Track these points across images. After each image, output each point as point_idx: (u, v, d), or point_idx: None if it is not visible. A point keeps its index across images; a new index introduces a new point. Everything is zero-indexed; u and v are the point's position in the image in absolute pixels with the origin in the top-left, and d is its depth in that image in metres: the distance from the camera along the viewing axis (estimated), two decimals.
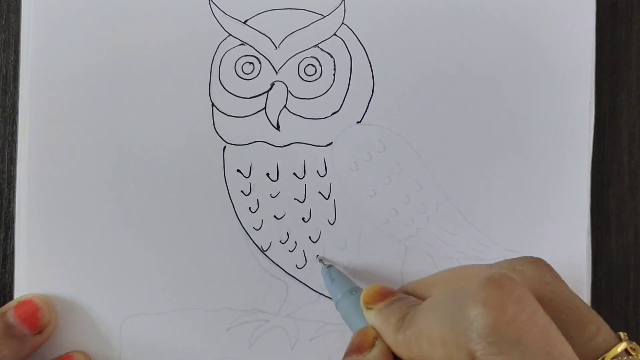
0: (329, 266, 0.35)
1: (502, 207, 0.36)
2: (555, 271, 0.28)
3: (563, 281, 0.28)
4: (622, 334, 0.27)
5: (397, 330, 0.26)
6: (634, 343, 0.26)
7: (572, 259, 0.37)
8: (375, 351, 0.27)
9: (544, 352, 0.22)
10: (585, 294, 0.36)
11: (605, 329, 0.27)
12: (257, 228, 0.36)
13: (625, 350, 0.26)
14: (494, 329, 0.22)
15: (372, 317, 0.28)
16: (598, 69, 0.37)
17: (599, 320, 0.27)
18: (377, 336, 0.28)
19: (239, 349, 0.36)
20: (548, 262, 0.36)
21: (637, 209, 0.38)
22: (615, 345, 0.26)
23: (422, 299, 0.28)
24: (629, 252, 0.38)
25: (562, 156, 0.37)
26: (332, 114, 0.37)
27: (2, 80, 0.37)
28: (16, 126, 0.37)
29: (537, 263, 0.28)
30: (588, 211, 0.37)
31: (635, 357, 0.26)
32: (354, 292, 0.32)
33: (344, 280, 0.34)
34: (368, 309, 0.29)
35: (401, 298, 0.28)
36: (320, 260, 0.36)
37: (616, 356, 0.26)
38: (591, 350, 0.25)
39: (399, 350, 0.26)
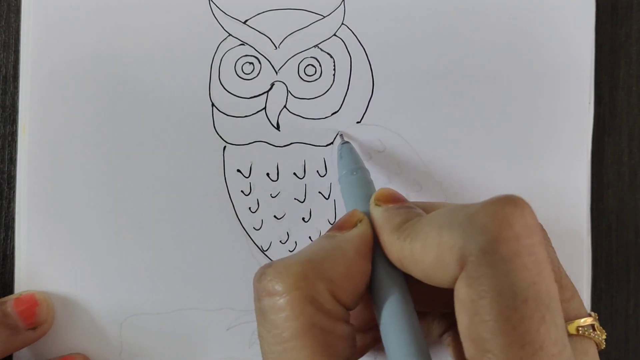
0: (344, 142, 0.35)
1: None
2: (549, 237, 0.29)
3: (552, 247, 0.29)
4: (592, 313, 0.28)
5: (396, 229, 0.26)
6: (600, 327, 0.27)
7: (573, 259, 0.37)
8: (354, 231, 0.27)
9: (530, 281, 0.22)
10: (585, 293, 0.36)
11: (578, 299, 0.28)
12: (257, 228, 0.36)
13: (592, 325, 0.27)
14: (494, 240, 0.22)
15: (378, 213, 0.28)
16: (598, 69, 0.37)
17: (575, 290, 0.28)
18: (362, 219, 0.28)
19: (239, 349, 0.36)
20: None
21: (637, 208, 0.38)
22: (585, 317, 0.27)
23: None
24: (629, 251, 0.38)
25: (562, 156, 0.37)
26: (332, 114, 0.37)
27: (2, 80, 0.37)
28: (16, 126, 0.37)
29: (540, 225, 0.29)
30: (588, 211, 0.37)
31: (600, 334, 0.27)
32: (356, 172, 0.32)
33: (351, 159, 0.33)
34: (377, 204, 0.28)
35: (411, 207, 0.28)
36: (341, 135, 0.36)
37: (583, 326, 0.27)
38: (563, 312, 0.26)
39: (389, 248, 0.26)
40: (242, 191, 0.36)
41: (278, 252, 0.36)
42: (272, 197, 0.36)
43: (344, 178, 0.32)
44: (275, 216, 0.36)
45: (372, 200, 0.29)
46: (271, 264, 0.26)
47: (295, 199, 0.36)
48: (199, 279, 0.36)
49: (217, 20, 0.36)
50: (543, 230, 0.29)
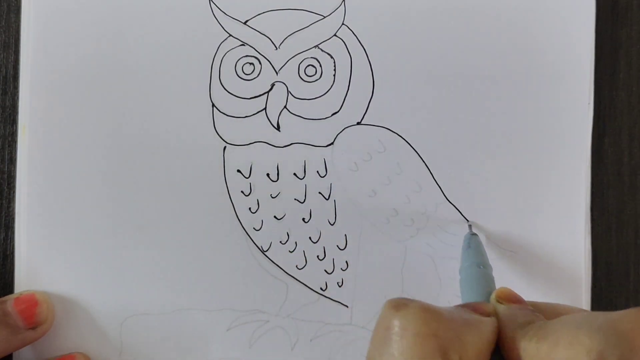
0: (473, 234, 0.35)
1: (502, 207, 0.36)
2: None
3: None
4: None
5: (521, 327, 0.26)
6: None
7: (572, 259, 0.37)
8: (490, 320, 0.27)
9: None
10: (585, 293, 0.36)
11: None
12: (257, 228, 0.36)
13: None
14: (637, 349, 0.22)
15: (502, 310, 0.28)
16: (598, 69, 0.37)
17: None
18: (495, 314, 0.28)
19: (239, 349, 0.36)
20: (548, 261, 0.37)
21: (637, 209, 0.38)
22: None
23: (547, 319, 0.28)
24: (629, 252, 0.38)
25: (562, 156, 0.37)
26: (332, 115, 0.37)
27: (2, 80, 0.37)
28: (16, 126, 0.37)
29: None
30: (588, 211, 0.37)
31: None
32: (485, 267, 0.32)
33: (478, 252, 0.33)
34: (499, 302, 0.29)
35: (533, 310, 0.28)
36: (470, 226, 0.36)
37: None
38: None
39: (512, 345, 0.26)
40: (242, 191, 0.36)
41: (278, 253, 0.36)
42: (272, 197, 0.36)
43: (469, 269, 0.32)
44: (275, 216, 0.37)
45: (493, 297, 0.29)
46: (414, 300, 0.25)
47: (295, 199, 0.36)
48: (199, 279, 0.36)
49: (217, 20, 0.36)
50: None
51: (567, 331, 0.24)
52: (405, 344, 0.24)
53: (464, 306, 0.28)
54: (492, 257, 0.36)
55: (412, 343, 0.24)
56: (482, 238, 0.36)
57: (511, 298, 0.29)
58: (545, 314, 0.28)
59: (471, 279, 0.32)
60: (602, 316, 0.24)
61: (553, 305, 0.30)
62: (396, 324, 0.24)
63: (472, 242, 0.34)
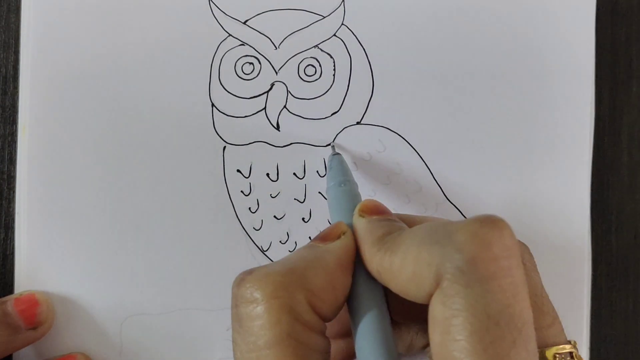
0: (335, 154, 0.35)
1: (502, 207, 0.36)
2: (534, 260, 0.29)
3: (537, 271, 0.29)
4: (572, 340, 0.28)
5: (377, 242, 0.26)
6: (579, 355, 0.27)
7: (573, 259, 0.37)
8: (337, 243, 0.27)
9: (504, 304, 0.22)
10: (585, 294, 0.36)
11: (558, 326, 0.28)
12: (257, 228, 0.36)
13: (570, 353, 0.27)
14: (472, 260, 0.22)
15: (361, 224, 0.28)
16: (598, 69, 0.37)
17: (557, 316, 0.28)
18: (346, 232, 0.28)
19: None
20: (548, 261, 0.37)
21: (637, 209, 0.38)
22: (564, 344, 0.27)
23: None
24: (629, 252, 0.38)
25: (563, 156, 0.37)
26: (332, 114, 0.37)
27: (2, 80, 0.37)
28: (16, 126, 0.37)
29: (524, 245, 0.29)
30: (588, 211, 0.37)
31: None
32: (344, 184, 0.32)
33: (340, 171, 0.33)
34: (360, 216, 0.28)
35: (394, 220, 0.28)
36: (332, 146, 0.36)
37: (561, 353, 0.26)
38: (540, 338, 0.26)
39: (369, 260, 0.26)
40: (242, 191, 0.36)
41: (278, 253, 0.36)
42: (272, 197, 0.36)
43: (332, 190, 0.32)
44: (275, 216, 0.37)
45: (356, 210, 0.29)
46: (251, 271, 0.26)
47: (295, 199, 0.36)
48: (199, 279, 0.36)
49: (217, 20, 0.36)
50: (529, 254, 0.29)
51: (413, 245, 0.24)
52: (252, 316, 0.24)
53: (314, 239, 0.28)
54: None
55: (258, 314, 0.24)
56: (347, 159, 0.35)
57: (373, 209, 0.28)
58: (409, 224, 0.28)
59: (336, 199, 0.31)
60: (442, 228, 0.24)
61: (419, 218, 0.29)
62: (240, 299, 0.25)
63: (334, 162, 0.34)
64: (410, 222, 0.28)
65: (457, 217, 0.36)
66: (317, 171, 0.36)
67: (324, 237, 0.27)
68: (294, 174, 0.36)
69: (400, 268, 0.24)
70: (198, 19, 0.36)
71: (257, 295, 0.24)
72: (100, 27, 0.36)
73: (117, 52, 0.36)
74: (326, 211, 0.36)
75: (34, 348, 0.36)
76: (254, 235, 0.36)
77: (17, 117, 0.37)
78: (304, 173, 0.36)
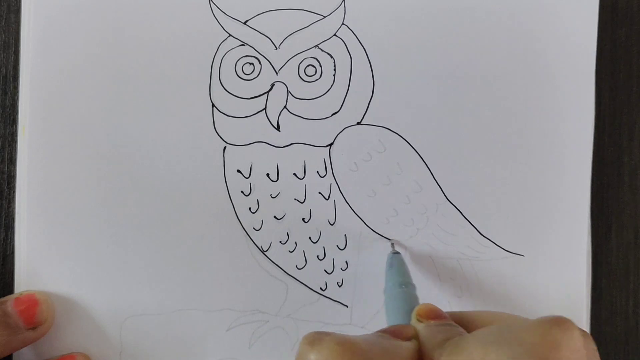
0: (395, 253, 0.35)
1: (502, 208, 0.36)
2: (596, 350, 0.29)
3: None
4: None
5: (438, 347, 0.26)
6: None
7: (572, 259, 0.37)
8: (408, 344, 0.27)
9: None
10: (585, 294, 0.36)
11: None
12: (257, 228, 0.36)
13: None
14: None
15: (421, 329, 0.28)
16: (598, 69, 0.37)
17: None
18: (416, 337, 0.28)
19: (239, 349, 0.36)
20: (548, 261, 0.37)
21: (637, 209, 0.38)
22: None
23: (467, 330, 0.29)
24: (629, 252, 0.38)
25: (563, 156, 0.37)
26: (332, 115, 0.37)
27: (2, 80, 0.37)
28: (16, 126, 0.37)
29: (588, 337, 0.29)
30: (588, 211, 0.37)
31: None
32: (406, 286, 0.32)
33: (401, 272, 0.33)
34: (419, 320, 0.29)
35: (452, 324, 0.28)
36: (392, 244, 0.36)
37: None
38: None
39: None
40: (242, 191, 0.36)
41: (278, 253, 0.36)
42: (272, 197, 0.36)
43: (392, 289, 0.32)
44: (275, 217, 0.37)
45: (414, 315, 0.29)
46: (329, 334, 0.25)
47: (295, 199, 0.36)
48: (199, 279, 0.36)
49: (217, 20, 0.36)
50: (593, 346, 0.29)
51: (478, 348, 0.24)
52: None
53: (384, 332, 0.28)
54: (491, 259, 0.36)
55: None
56: (405, 257, 0.36)
57: (431, 314, 0.29)
58: (467, 324, 0.28)
59: (394, 300, 0.32)
60: (510, 330, 0.24)
61: (476, 315, 0.30)
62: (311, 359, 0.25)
63: (395, 261, 0.34)
64: (465, 318, 0.29)
65: (457, 218, 0.36)
66: (317, 171, 0.36)
67: (394, 333, 0.28)
68: (294, 174, 0.36)
69: None
70: (198, 19, 0.36)
71: None
72: (100, 27, 0.36)
73: (117, 52, 0.36)
74: (326, 212, 0.36)
75: (34, 348, 0.36)
76: (254, 235, 0.36)
77: (17, 117, 0.37)
78: (304, 173, 0.36)
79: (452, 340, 0.26)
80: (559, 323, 0.24)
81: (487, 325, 0.28)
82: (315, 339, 0.25)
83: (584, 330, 0.28)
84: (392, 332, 0.28)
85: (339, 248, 0.37)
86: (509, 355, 0.23)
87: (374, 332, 0.28)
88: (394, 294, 0.32)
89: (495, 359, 0.24)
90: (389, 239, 0.36)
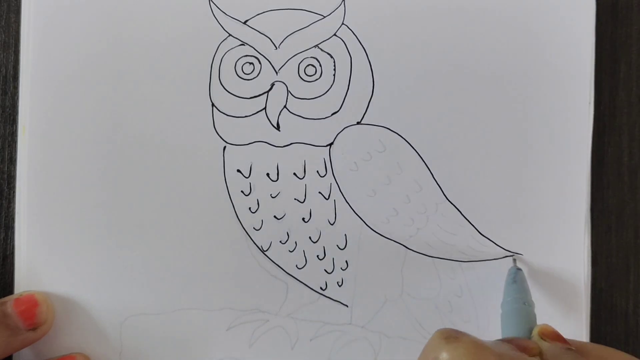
0: (518, 269, 0.35)
1: (502, 207, 0.36)
2: None
3: None
4: None
5: None
6: None
7: (572, 259, 0.37)
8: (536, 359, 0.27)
9: None
10: (585, 294, 0.36)
11: None
12: (257, 228, 0.36)
13: None
14: None
15: (546, 347, 0.29)
16: (598, 69, 0.37)
17: None
18: (540, 354, 0.28)
19: (239, 349, 0.36)
20: (548, 262, 0.37)
21: (637, 209, 0.38)
22: None
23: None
24: (629, 252, 0.38)
25: (562, 156, 0.37)
26: (332, 114, 0.37)
27: (2, 80, 0.37)
28: (16, 126, 0.37)
29: None
30: (588, 211, 0.37)
31: None
32: (527, 304, 0.33)
33: (523, 289, 0.34)
34: (542, 338, 0.29)
35: (576, 353, 0.28)
36: (514, 260, 0.36)
37: None
38: None
39: None
40: (242, 191, 0.36)
41: (278, 252, 0.36)
42: (272, 197, 0.36)
43: (513, 304, 0.33)
44: (275, 216, 0.36)
45: (536, 333, 0.30)
46: (465, 334, 0.26)
47: (295, 199, 0.36)
48: (199, 279, 0.36)
49: (217, 20, 0.36)
50: None
51: None
52: None
53: (509, 342, 0.28)
54: (491, 259, 0.36)
55: None
56: (525, 272, 0.36)
57: (554, 336, 0.29)
58: (585, 354, 0.28)
59: (514, 315, 0.32)
60: None
61: (592, 347, 0.30)
62: (445, 356, 0.25)
63: (518, 277, 0.35)
64: (582, 348, 0.29)
65: (457, 217, 0.36)
66: (317, 171, 0.36)
67: (522, 348, 0.28)
68: (294, 174, 0.36)
69: None
70: (198, 18, 0.36)
71: None
72: (100, 27, 0.36)
73: (117, 52, 0.36)
74: (326, 211, 0.36)
75: (34, 348, 0.36)
76: (254, 235, 0.36)
77: (17, 117, 0.37)
78: (304, 173, 0.36)
79: None
80: None
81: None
82: (452, 336, 0.25)
83: None
84: (518, 345, 0.28)
85: (339, 248, 0.36)
86: None
87: (497, 339, 0.28)
88: (514, 309, 0.33)
89: None
90: (512, 253, 0.36)
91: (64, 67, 0.36)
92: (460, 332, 0.26)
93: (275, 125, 0.36)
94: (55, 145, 0.36)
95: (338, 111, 0.37)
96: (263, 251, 0.36)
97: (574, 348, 0.29)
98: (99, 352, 0.36)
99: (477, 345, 0.25)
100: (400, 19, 0.36)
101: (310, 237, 0.36)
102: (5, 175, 0.37)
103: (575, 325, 0.36)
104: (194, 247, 0.36)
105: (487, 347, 0.25)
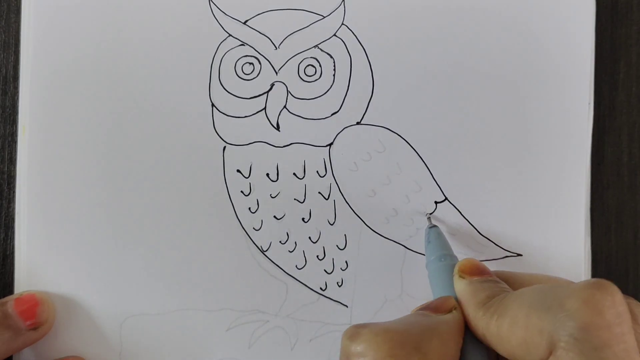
0: (432, 227, 0.35)
1: (501, 207, 0.36)
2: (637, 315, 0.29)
3: None
4: None
5: (482, 305, 0.26)
6: None
7: (572, 259, 0.37)
8: (450, 317, 0.27)
9: None
10: None
11: None
12: (257, 228, 0.36)
13: None
14: (586, 327, 0.22)
15: (462, 286, 0.28)
16: (598, 69, 0.37)
17: None
18: (457, 307, 0.28)
19: (239, 349, 0.36)
20: (548, 262, 0.37)
21: (637, 209, 0.38)
22: None
23: (513, 289, 0.28)
24: (629, 252, 0.38)
25: (562, 156, 0.37)
26: (332, 114, 0.37)
27: (2, 80, 0.37)
28: (16, 126, 0.37)
29: (634, 301, 0.28)
30: (588, 211, 0.37)
31: None
32: (445, 259, 0.32)
33: (440, 244, 0.33)
34: (461, 277, 0.29)
35: (496, 280, 0.28)
36: (429, 218, 0.36)
37: None
38: None
39: (476, 324, 0.26)
40: (242, 191, 0.36)
41: (278, 253, 0.36)
42: (272, 197, 0.36)
43: (433, 264, 0.32)
44: (275, 216, 0.37)
45: (455, 270, 0.29)
46: (365, 325, 0.26)
47: (295, 199, 0.36)
48: (199, 279, 0.36)
49: (217, 20, 0.36)
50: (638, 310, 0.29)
51: (522, 310, 0.24)
52: None
53: (424, 308, 0.28)
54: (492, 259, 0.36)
55: None
56: (442, 229, 0.35)
57: (473, 270, 0.29)
58: (512, 284, 0.28)
59: (435, 274, 0.32)
60: (552, 294, 0.24)
61: (520, 275, 0.29)
62: (353, 353, 0.25)
63: (431, 236, 0.34)
64: (509, 280, 0.28)
65: (457, 217, 0.36)
66: (317, 171, 0.36)
67: (435, 309, 0.28)
68: (294, 174, 0.36)
69: (508, 333, 0.25)
70: (198, 19, 0.36)
71: (372, 352, 0.25)
72: (100, 27, 0.36)
73: (117, 52, 0.36)
74: (326, 211, 0.36)
75: (33, 348, 0.36)
76: (254, 235, 0.36)
77: (17, 117, 0.37)
78: (304, 173, 0.36)
79: (497, 298, 0.26)
80: (601, 287, 0.24)
81: (531, 284, 0.27)
82: (354, 333, 0.25)
83: (629, 297, 0.28)
84: (433, 308, 0.28)
85: (339, 248, 0.37)
86: (552, 319, 0.23)
87: (416, 309, 0.28)
88: (436, 267, 0.32)
89: (539, 324, 0.23)
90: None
91: (64, 67, 0.36)
92: (362, 325, 0.26)
93: (275, 126, 0.36)
94: (55, 145, 0.36)
95: (338, 111, 0.37)
96: (263, 251, 0.36)
97: (495, 278, 0.28)
98: (98, 352, 0.36)
99: (378, 333, 0.25)
100: (400, 19, 0.36)
101: (310, 237, 0.36)
102: (5, 175, 0.37)
103: None
104: (194, 247, 0.36)
105: (389, 329, 0.25)
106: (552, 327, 0.23)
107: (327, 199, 0.36)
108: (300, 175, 0.36)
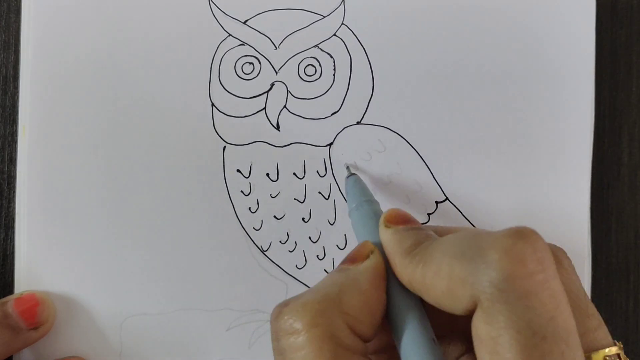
0: (350, 175, 0.35)
1: (502, 207, 0.36)
2: (572, 262, 0.28)
3: (577, 274, 0.28)
4: (618, 342, 0.27)
5: (407, 253, 0.26)
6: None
7: (572, 259, 0.36)
8: (366, 263, 0.27)
9: (548, 316, 0.22)
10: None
11: (604, 328, 0.27)
12: (257, 228, 0.36)
13: (618, 355, 0.26)
14: (508, 277, 0.22)
15: (388, 235, 0.28)
16: (598, 69, 0.37)
17: (600, 318, 0.27)
18: (374, 250, 0.27)
19: (239, 349, 0.36)
20: None
21: (637, 209, 0.38)
22: (611, 346, 0.26)
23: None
24: (629, 252, 0.38)
25: (562, 156, 0.37)
26: (332, 114, 0.37)
27: (2, 80, 0.37)
28: (16, 126, 0.37)
29: (560, 249, 0.28)
30: (588, 211, 0.37)
31: None
32: (365, 205, 0.31)
33: (360, 191, 0.33)
34: (386, 226, 0.28)
35: (421, 228, 0.28)
36: (347, 167, 0.36)
37: (610, 355, 0.26)
38: (587, 342, 0.25)
39: (401, 272, 0.26)
40: (242, 191, 0.36)
41: (278, 253, 0.36)
42: (272, 197, 0.36)
43: (353, 212, 0.32)
44: (275, 216, 0.37)
45: (381, 221, 0.28)
46: (287, 303, 0.25)
47: (295, 199, 0.36)
48: (199, 279, 0.36)
49: (217, 20, 0.36)
50: (566, 257, 0.28)
51: (445, 260, 0.24)
52: (294, 347, 0.24)
53: (343, 262, 0.27)
54: None
55: (300, 344, 0.24)
56: (347, 159, 0.35)
57: (399, 219, 0.28)
58: (437, 231, 0.28)
59: (359, 220, 0.31)
60: (474, 243, 0.24)
61: (446, 228, 0.29)
62: (279, 331, 0.25)
63: (349, 184, 0.34)
64: (438, 232, 0.28)
65: (457, 217, 0.36)
66: (317, 171, 0.36)
67: (352, 259, 0.27)
68: (294, 174, 0.36)
69: (433, 282, 0.24)
70: (198, 18, 0.36)
71: (297, 326, 0.24)
72: (100, 27, 0.36)
73: (117, 52, 0.36)
74: (326, 211, 0.36)
75: (33, 348, 0.36)
76: (254, 235, 0.36)
77: (17, 117, 0.37)
78: (304, 173, 0.36)
79: (422, 246, 0.26)
80: (521, 235, 0.23)
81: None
82: (278, 313, 0.25)
83: (555, 245, 0.27)
84: (350, 260, 0.27)
85: (339, 248, 0.36)
86: (474, 270, 0.23)
87: (338, 266, 0.27)
88: (357, 215, 0.31)
89: (461, 274, 0.23)
90: (346, 164, 0.36)
91: (64, 67, 0.36)
92: (284, 303, 0.25)
93: (275, 125, 0.36)
94: (55, 145, 0.36)
95: (338, 111, 0.37)
96: (263, 251, 0.36)
97: (420, 226, 0.28)
98: (98, 352, 0.36)
99: (298, 308, 0.25)
100: (400, 18, 0.37)
101: (310, 237, 0.36)
102: (5, 175, 0.37)
103: None
104: (194, 247, 0.36)
105: (309, 300, 0.25)
106: (474, 278, 0.23)
107: (327, 199, 0.36)
108: (300, 175, 0.36)
